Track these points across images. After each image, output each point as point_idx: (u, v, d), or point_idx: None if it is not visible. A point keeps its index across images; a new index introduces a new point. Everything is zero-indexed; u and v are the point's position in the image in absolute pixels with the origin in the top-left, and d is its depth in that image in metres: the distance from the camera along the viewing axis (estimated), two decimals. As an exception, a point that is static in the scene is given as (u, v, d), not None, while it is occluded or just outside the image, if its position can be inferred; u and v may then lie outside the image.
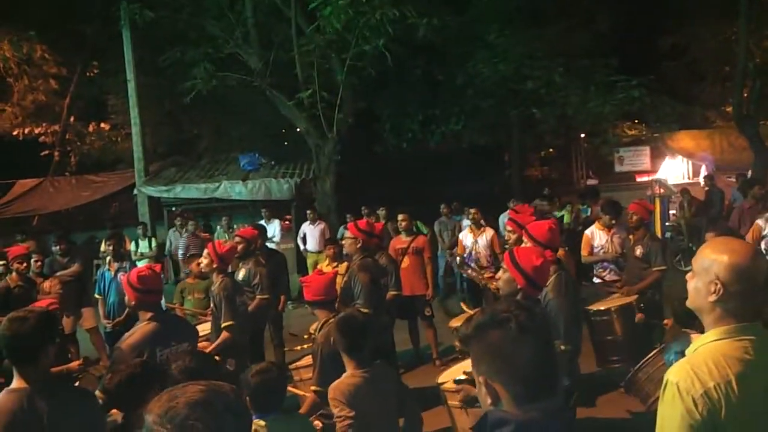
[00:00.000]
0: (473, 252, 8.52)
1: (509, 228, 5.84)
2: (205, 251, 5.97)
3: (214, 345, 5.27)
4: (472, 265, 8.11)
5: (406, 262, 7.79)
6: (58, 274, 8.64)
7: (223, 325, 5.35)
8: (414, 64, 15.07)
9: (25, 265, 7.39)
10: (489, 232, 8.59)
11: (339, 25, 11.92)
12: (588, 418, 5.38)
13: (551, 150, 24.14)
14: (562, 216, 11.93)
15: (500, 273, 4.11)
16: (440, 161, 17.16)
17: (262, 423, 3.23)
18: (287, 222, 14.21)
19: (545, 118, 15.34)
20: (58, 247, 8.94)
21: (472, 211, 9.14)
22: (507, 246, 5.78)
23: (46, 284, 7.76)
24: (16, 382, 2.89)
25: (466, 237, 8.76)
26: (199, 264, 7.18)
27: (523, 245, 4.60)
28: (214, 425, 1.40)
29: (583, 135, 19.06)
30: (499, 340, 1.59)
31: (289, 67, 13.27)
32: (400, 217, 8.18)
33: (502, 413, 1.60)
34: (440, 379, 4.45)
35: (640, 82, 14.26)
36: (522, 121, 16.20)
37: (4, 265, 8.57)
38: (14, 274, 7.35)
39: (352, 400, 3.44)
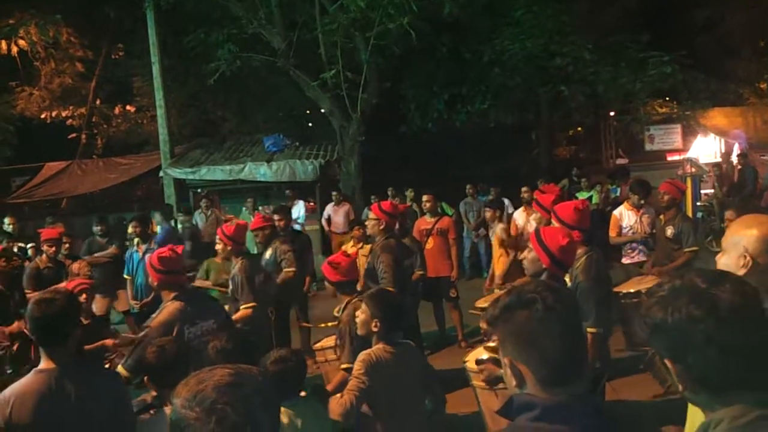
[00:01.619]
0: (524, 232, 8.39)
1: (535, 210, 5.72)
2: (217, 238, 5.98)
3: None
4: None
5: (430, 243, 7.74)
6: (96, 255, 8.79)
7: (243, 306, 5.37)
8: (439, 42, 14.87)
9: (54, 249, 7.48)
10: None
11: (363, 4, 11.79)
12: (617, 401, 5.30)
13: (580, 129, 23.76)
14: (591, 196, 11.75)
15: (526, 252, 4.03)
16: (466, 141, 16.97)
17: (283, 409, 3.22)
18: (312, 203, 14.20)
19: (574, 96, 15.06)
20: (98, 228, 9.06)
21: (524, 190, 9.03)
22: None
23: (75, 266, 7.85)
24: (44, 363, 2.91)
25: (519, 216, 8.61)
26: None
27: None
28: (242, 409, 1.39)
29: (612, 113, 18.68)
30: (525, 322, 1.57)
31: (312, 47, 13.20)
32: (424, 197, 8.12)
33: (529, 396, 1.57)
34: (467, 360, 4.39)
35: (672, 57, 13.93)
36: (550, 99, 15.93)
37: (33, 247, 8.71)
38: (44, 255, 7.46)
39: (372, 372, 3.43)
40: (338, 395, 3.46)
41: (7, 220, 10.04)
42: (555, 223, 4.53)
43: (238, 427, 1.38)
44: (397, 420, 3.52)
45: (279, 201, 12.64)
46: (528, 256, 3.98)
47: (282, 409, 3.16)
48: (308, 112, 19.05)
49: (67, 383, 2.88)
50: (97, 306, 8.02)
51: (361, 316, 3.68)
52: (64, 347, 2.94)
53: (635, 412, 5.40)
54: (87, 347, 5.16)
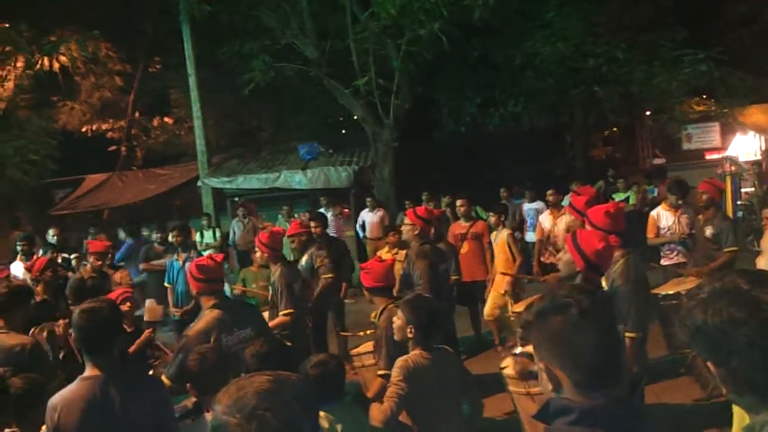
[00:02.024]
0: (551, 235, 8.35)
1: (571, 216, 5.69)
2: (256, 245, 6.07)
3: (271, 325, 5.35)
4: (549, 248, 7.96)
5: (465, 247, 7.75)
6: (153, 263, 9.03)
7: (282, 312, 5.43)
8: (470, 47, 14.86)
9: (101, 262, 7.66)
10: (569, 215, 8.28)
11: (393, 11, 11.86)
12: (656, 404, 5.23)
13: (615, 129, 23.44)
14: (628, 197, 11.60)
15: (561, 254, 4.03)
16: (500, 144, 16.89)
17: (322, 414, 3.26)
18: (346, 210, 14.29)
19: (608, 97, 14.90)
20: (158, 236, 9.29)
21: (549, 193, 8.97)
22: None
23: (117, 275, 8.08)
24: (90, 371, 3.00)
25: (545, 220, 8.57)
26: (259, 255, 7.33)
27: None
28: (283, 414, 1.41)
29: (648, 112, 18.40)
30: (560, 326, 1.57)
31: (345, 56, 13.31)
32: (458, 202, 8.13)
33: (566, 401, 1.57)
34: (503, 365, 4.40)
35: (708, 55, 13.69)
36: (584, 100, 15.77)
37: (77, 257, 8.95)
38: (88, 266, 7.64)
39: (410, 378, 3.45)
40: (377, 403, 3.48)
41: (51, 232, 10.32)
42: (587, 227, 4.51)
43: None
44: (435, 425, 3.53)
45: (314, 208, 12.76)
46: (563, 258, 3.98)
47: (322, 413, 3.22)
48: (341, 119, 19.18)
49: (112, 390, 2.95)
50: (152, 312, 8.24)
51: (397, 322, 3.70)
52: (108, 355, 3.03)
53: (676, 416, 5.33)
54: (130, 350, 5.33)
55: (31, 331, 4.70)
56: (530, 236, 11.38)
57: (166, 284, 8.36)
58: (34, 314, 4.78)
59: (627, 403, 1.62)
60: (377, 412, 3.41)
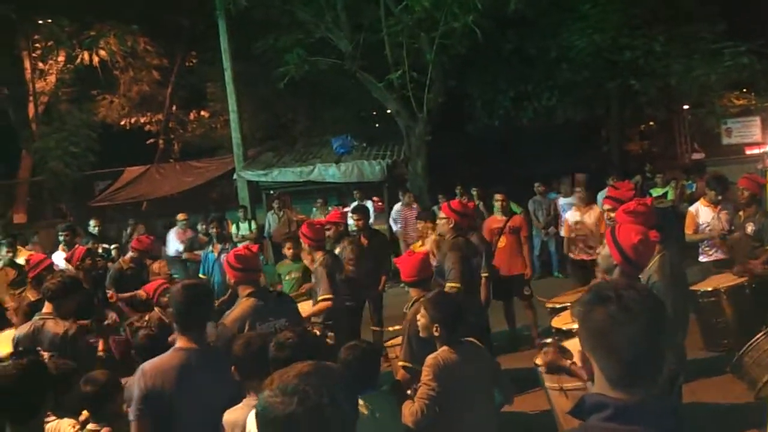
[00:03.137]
0: (581, 231, 8.27)
1: (607, 206, 5.64)
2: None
3: (310, 312, 5.42)
4: (580, 245, 7.90)
5: (502, 241, 7.72)
6: (196, 252, 9.23)
7: (321, 297, 5.50)
8: (504, 40, 14.75)
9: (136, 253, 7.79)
10: (596, 210, 8.10)
11: (427, 4, 11.84)
12: (693, 403, 5.18)
13: (652, 123, 23.06)
14: (666, 192, 11.44)
15: (600, 248, 4.02)
16: (534, 138, 16.76)
17: (361, 402, 3.31)
18: (380, 203, 14.35)
19: (645, 90, 14.66)
20: (203, 227, 9.49)
21: (578, 189, 8.90)
22: (609, 223, 5.59)
23: (156, 265, 8.25)
24: (181, 343, 3.25)
25: (572, 215, 8.49)
26: (290, 248, 7.42)
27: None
28: (322, 391, 1.48)
29: (686, 106, 18.06)
30: (600, 320, 1.57)
31: (378, 49, 13.32)
32: (497, 196, 8.07)
33: (601, 397, 1.57)
34: (538, 361, 4.39)
35: (749, 47, 13.37)
36: (620, 93, 15.56)
37: (117, 248, 9.16)
38: (127, 256, 7.82)
39: (440, 376, 3.48)
40: (409, 402, 3.51)
41: (92, 223, 10.58)
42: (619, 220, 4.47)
43: (319, 408, 1.46)
44: (467, 419, 3.55)
45: (348, 201, 12.85)
46: (602, 251, 3.97)
47: (361, 401, 3.27)
48: (375, 113, 19.22)
49: (201, 362, 3.19)
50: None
51: (421, 320, 3.71)
52: (201, 330, 3.32)
53: (714, 414, 5.27)
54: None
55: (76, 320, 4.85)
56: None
57: (200, 275, 8.51)
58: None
59: (664, 400, 1.62)
60: (408, 413, 3.44)
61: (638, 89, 14.58)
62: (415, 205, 12.11)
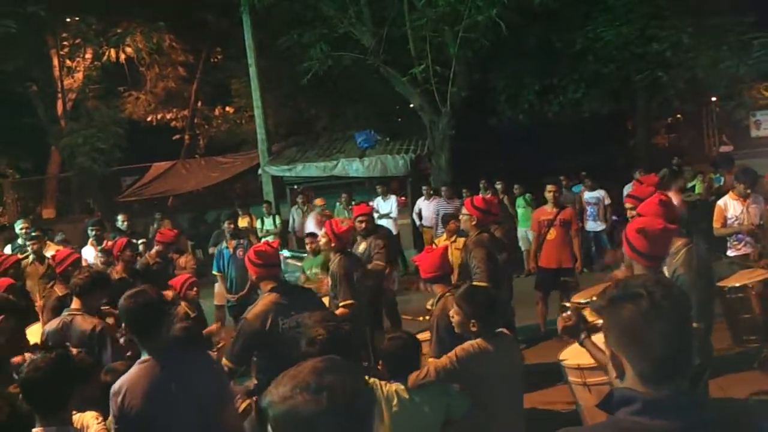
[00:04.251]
0: None
1: (629, 204, 5.58)
2: (323, 230, 6.16)
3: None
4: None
5: (552, 234, 7.65)
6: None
7: (341, 303, 5.51)
8: (529, 32, 14.63)
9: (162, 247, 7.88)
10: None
11: (451, -3, 11.80)
12: (721, 398, 5.12)
13: (679, 116, 22.74)
14: (694, 186, 11.29)
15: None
16: (559, 132, 16.61)
17: (402, 387, 3.33)
18: (403, 198, 14.35)
19: (673, 82, 14.45)
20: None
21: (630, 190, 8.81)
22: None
23: (182, 260, 8.32)
24: (145, 354, 3.13)
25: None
26: (311, 242, 7.44)
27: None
28: (344, 385, 1.43)
29: (714, 98, 17.77)
30: (629, 316, 1.56)
31: (401, 44, 13.30)
32: (549, 187, 7.93)
33: (629, 391, 1.57)
34: (561, 356, 4.37)
35: (779, 38, 13.13)
36: (647, 86, 15.35)
37: (144, 242, 9.26)
38: (153, 251, 7.90)
39: (470, 361, 3.47)
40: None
41: (120, 218, 10.69)
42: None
43: (350, 400, 1.42)
44: (500, 409, 3.54)
45: (371, 196, 12.87)
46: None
47: (400, 387, 3.29)
48: (398, 107, 19.19)
49: (169, 372, 3.07)
50: (221, 296, 8.49)
51: (456, 317, 3.69)
52: (157, 338, 3.15)
53: (742, 409, 5.19)
54: (205, 331, 5.51)
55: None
56: (591, 225, 11.23)
57: (214, 272, 8.56)
58: (114, 293, 4.98)
59: (691, 395, 1.61)
60: (414, 374, 3.41)
61: (666, 82, 14.38)
62: (437, 199, 12.06)
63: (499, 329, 3.76)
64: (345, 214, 11.47)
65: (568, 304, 3.44)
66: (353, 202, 12.15)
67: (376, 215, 10.30)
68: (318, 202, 11.57)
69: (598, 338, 3.37)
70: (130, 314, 3.18)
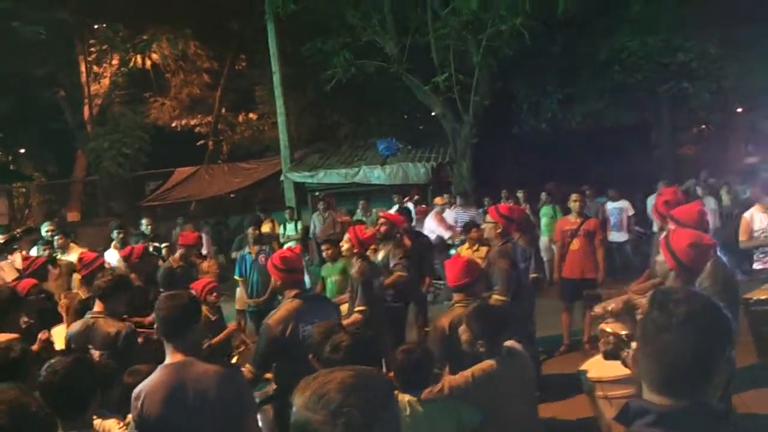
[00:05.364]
0: None
1: (655, 218, 5.51)
2: (346, 236, 6.17)
3: (347, 322, 5.43)
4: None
5: (575, 244, 7.58)
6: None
7: (356, 309, 5.51)
8: (553, 41, 14.59)
9: (185, 250, 7.96)
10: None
11: (475, 6, 11.79)
12: (746, 415, 5.04)
13: (705, 127, 22.49)
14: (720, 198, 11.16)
15: (657, 255, 3.96)
16: (582, 142, 16.52)
17: (414, 398, 3.32)
18: (424, 206, 14.31)
19: (698, 93, 14.32)
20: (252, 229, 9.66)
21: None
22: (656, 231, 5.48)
23: (205, 264, 8.39)
24: (169, 357, 3.12)
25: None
26: (330, 248, 7.45)
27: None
28: (368, 410, 1.38)
29: (740, 109, 17.57)
30: (644, 324, 1.58)
31: (424, 52, 13.33)
32: (573, 196, 7.83)
33: (644, 402, 1.57)
34: (583, 368, 4.33)
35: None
36: (672, 96, 15.22)
37: (167, 246, 9.35)
38: (176, 255, 7.97)
39: (482, 382, 3.44)
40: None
41: (144, 222, 10.79)
42: (673, 226, 4.37)
43: (365, 430, 1.37)
44: (513, 424, 3.52)
45: (391, 204, 12.84)
46: (657, 258, 3.93)
47: (413, 399, 3.29)
48: (419, 115, 19.21)
49: (191, 377, 3.05)
50: (243, 301, 8.54)
51: (464, 336, 3.67)
52: (186, 341, 3.14)
53: (765, 426, 5.11)
54: (214, 341, 5.55)
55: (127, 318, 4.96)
56: (614, 236, 11.12)
57: (236, 277, 8.61)
58: (130, 300, 5.04)
59: (710, 408, 1.58)
60: (427, 390, 3.40)
61: (691, 92, 14.25)
62: (459, 208, 12.00)
63: (510, 343, 3.72)
64: (363, 221, 11.46)
65: (609, 329, 3.41)
66: (374, 210, 12.18)
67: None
68: (438, 200, 11.46)
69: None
70: (165, 315, 3.16)
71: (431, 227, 10.88)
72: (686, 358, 1.53)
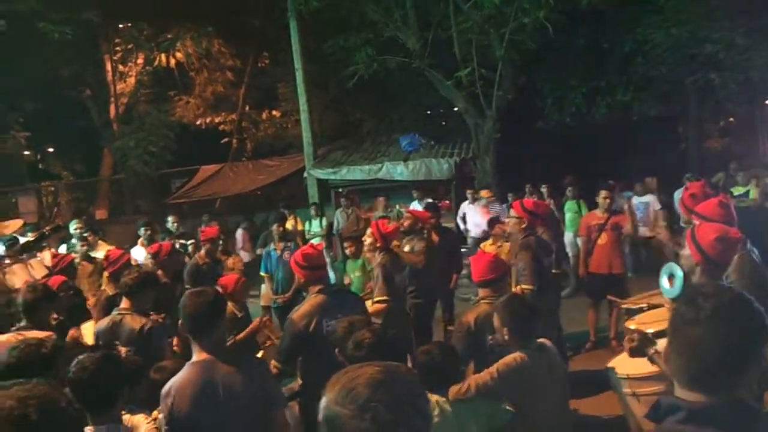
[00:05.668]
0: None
1: (683, 212, 5.43)
2: (369, 230, 6.19)
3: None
4: None
5: (603, 238, 7.57)
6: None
7: (375, 299, 5.53)
8: (576, 34, 14.44)
9: (210, 246, 8.07)
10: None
11: (497, 0, 11.71)
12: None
13: (732, 119, 22.14)
14: (747, 191, 10.96)
15: (683, 250, 3.91)
16: (607, 135, 16.35)
17: (442, 398, 3.32)
18: (447, 202, 14.29)
19: (725, 85, 14.08)
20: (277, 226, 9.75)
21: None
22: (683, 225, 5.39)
23: (230, 261, 8.46)
24: (197, 355, 3.15)
25: None
26: (352, 245, 7.47)
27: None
28: (394, 406, 1.39)
29: (768, 101, 17.26)
30: (679, 318, 1.56)
31: (447, 47, 13.27)
32: (602, 192, 7.83)
33: (675, 399, 1.56)
34: (611, 365, 4.30)
35: (840, 37, 12.66)
36: (699, 88, 14.99)
37: (193, 243, 9.45)
38: (202, 251, 8.05)
39: (509, 376, 3.44)
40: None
41: (170, 219, 10.93)
42: (698, 221, 4.31)
43: (392, 426, 1.38)
44: (542, 420, 3.51)
45: (408, 200, 12.81)
46: (683, 253, 3.88)
47: (441, 399, 3.28)
48: (442, 111, 19.17)
49: (219, 373, 3.08)
50: (268, 297, 8.60)
51: (495, 323, 3.69)
52: (212, 338, 3.16)
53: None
54: (239, 336, 5.59)
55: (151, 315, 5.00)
56: (640, 231, 11.00)
57: (262, 273, 8.66)
58: (157, 297, 5.10)
59: (743, 405, 1.57)
60: (455, 388, 3.39)
61: (718, 84, 14.02)
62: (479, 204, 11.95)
63: (540, 340, 3.71)
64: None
65: (633, 326, 3.38)
66: (397, 206, 12.15)
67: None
68: (484, 194, 11.47)
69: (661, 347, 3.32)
70: (191, 313, 3.17)
71: (476, 221, 10.88)
72: (716, 352, 1.52)
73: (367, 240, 6.14)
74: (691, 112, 16.73)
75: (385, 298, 5.49)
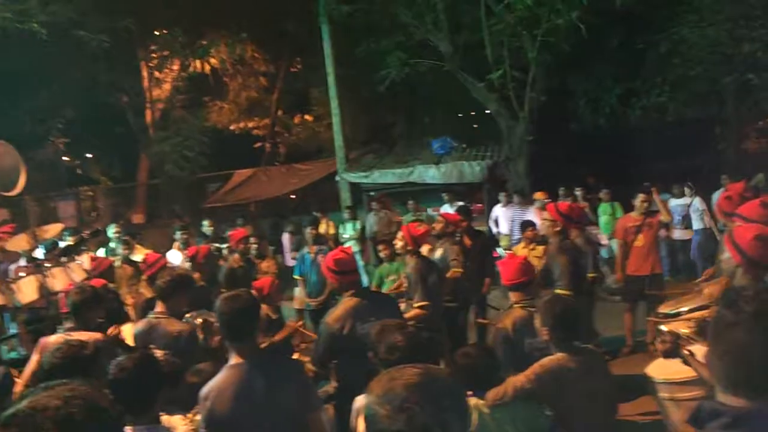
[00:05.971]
0: None
1: (720, 217, 5.33)
2: (399, 233, 6.21)
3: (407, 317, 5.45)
4: None
5: (640, 240, 7.53)
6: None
7: (415, 304, 5.53)
8: (610, 35, 14.27)
9: (242, 246, 8.17)
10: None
11: (530, 1, 11.64)
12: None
13: (770, 120, 21.61)
14: (788, 192, 10.71)
15: (722, 253, 3.85)
16: (642, 137, 16.11)
17: (481, 402, 3.31)
18: (480, 205, 14.22)
19: (764, 85, 13.78)
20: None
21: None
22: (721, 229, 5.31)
23: (264, 264, 8.56)
24: (234, 359, 3.19)
25: None
26: (386, 248, 7.49)
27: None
28: (430, 409, 1.41)
29: (810, 100, 16.78)
30: (720, 322, 1.55)
31: (478, 49, 13.22)
32: (641, 196, 7.81)
33: (717, 404, 1.54)
34: (649, 370, 4.24)
35: None
36: (736, 88, 14.68)
37: (228, 247, 9.58)
38: (236, 255, 8.16)
39: (547, 378, 3.38)
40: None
41: (206, 223, 11.08)
42: (739, 223, 4.24)
43: (426, 428, 1.40)
44: (583, 426, 3.43)
45: (438, 203, 12.77)
46: (723, 257, 3.83)
47: (480, 402, 3.27)
48: (473, 113, 19.08)
49: (257, 376, 3.11)
50: (301, 300, 8.68)
51: (536, 323, 3.66)
52: (250, 342, 3.21)
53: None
54: (274, 339, 5.63)
55: (187, 316, 5.06)
56: (677, 233, 10.84)
57: (296, 276, 8.72)
58: (193, 299, 5.17)
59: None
60: (492, 392, 3.36)
61: (757, 84, 13.72)
62: (515, 206, 11.86)
63: (585, 345, 3.66)
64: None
65: (665, 328, 3.34)
66: (430, 209, 12.14)
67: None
68: (538, 195, 11.45)
69: (697, 350, 3.27)
70: (227, 318, 3.21)
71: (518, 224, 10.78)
72: (759, 356, 1.50)
73: (398, 243, 6.16)
74: (728, 114, 16.38)
75: (424, 303, 5.49)
